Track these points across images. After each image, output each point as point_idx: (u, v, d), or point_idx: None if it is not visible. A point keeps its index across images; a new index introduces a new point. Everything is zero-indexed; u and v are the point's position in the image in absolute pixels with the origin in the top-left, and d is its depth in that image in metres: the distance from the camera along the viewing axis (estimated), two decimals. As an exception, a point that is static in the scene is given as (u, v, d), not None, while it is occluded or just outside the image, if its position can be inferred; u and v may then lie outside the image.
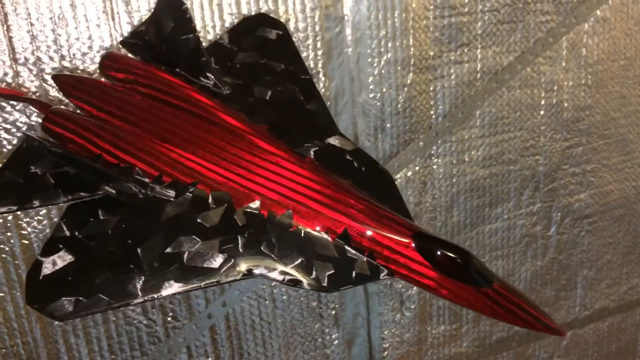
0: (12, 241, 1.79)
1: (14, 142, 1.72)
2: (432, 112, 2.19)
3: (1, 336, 1.85)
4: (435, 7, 2.09)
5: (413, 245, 1.48)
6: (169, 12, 1.65)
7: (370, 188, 1.61)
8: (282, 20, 1.91)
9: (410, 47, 2.09)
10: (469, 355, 2.51)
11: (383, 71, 2.08)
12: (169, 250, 1.45)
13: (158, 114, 1.63)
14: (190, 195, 1.52)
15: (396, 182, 2.18)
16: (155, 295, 1.42)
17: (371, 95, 2.09)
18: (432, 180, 2.25)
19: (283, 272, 1.46)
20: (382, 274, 1.51)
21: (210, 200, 1.52)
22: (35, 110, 1.71)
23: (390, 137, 2.15)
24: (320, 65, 2.00)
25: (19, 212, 1.77)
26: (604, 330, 2.78)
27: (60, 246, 1.49)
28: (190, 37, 1.63)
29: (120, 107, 1.65)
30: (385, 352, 2.36)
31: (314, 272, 1.46)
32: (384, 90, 2.10)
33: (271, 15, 1.89)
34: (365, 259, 1.50)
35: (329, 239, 1.50)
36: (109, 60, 1.74)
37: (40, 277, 1.46)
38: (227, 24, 1.87)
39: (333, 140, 1.67)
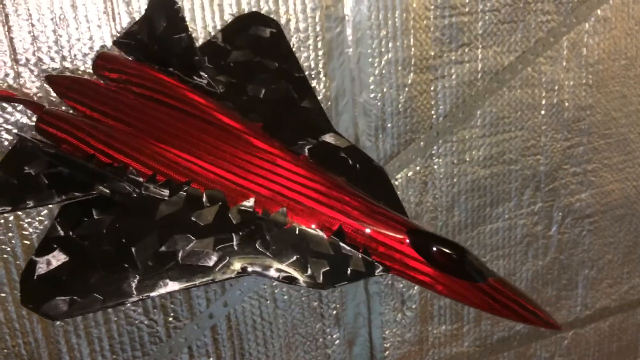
0: (13, 241, 1.80)
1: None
2: (432, 112, 2.19)
3: (3, 336, 1.86)
4: (436, 7, 2.09)
5: (407, 241, 1.49)
6: (161, 12, 1.65)
7: (364, 185, 1.61)
8: (283, 20, 1.92)
9: (411, 47, 2.09)
10: (470, 355, 2.51)
11: (384, 71, 2.08)
12: (163, 249, 1.45)
13: (151, 113, 1.64)
14: (185, 194, 1.52)
15: (397, 182, 2.18)
16: (150, 294, 1.43)
17: (372, 95, 2.09)
18: (433, 180, 2.25)
19: (278, 270, 1.46)
20: (377, 270, 1.51)
21: (204, 198, 1.52)
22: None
23: (391, 137, 2.15)
24: (321, 65, 2.00)
25: (20, 213, 1.78)
26: (605, 329, 2.77)
27: (55, 246, 1.50)
28: (183, 36, 1.63)
29: (113, 107, 1.65)
30: (387, 352, 2.36)
31: (309, 269, 1.46)
32: (385, 90, 2.10)
33: (270, 15, 1.89)
34: (360, 256, 1.50)
35: (324, 236, 1.51)
36: (101, 60, 1.73)
37: (35, 277, 1.46)
38: (227, 24, 1.87)
39: (327, 138, 1.67)
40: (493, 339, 2.54)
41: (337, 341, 2.26)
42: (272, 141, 1.61)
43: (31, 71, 1.72)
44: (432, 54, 2.13)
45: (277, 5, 1.91)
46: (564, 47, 2.32)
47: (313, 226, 1.51)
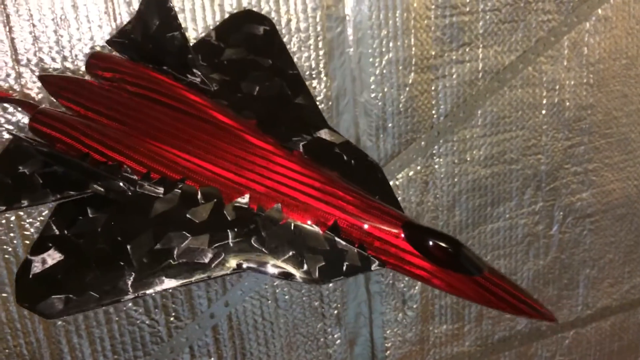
0: (15, 241, 1.80)
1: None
2: (433, 112, 2.19)
3: (4, 336, 1.86)
4: (437, 7, 2.09)
5: (403, 235, 1.49)
6: (154, 10, 1.64)
7: (359, 180, 1.61)
8: (284, 20, 1.92)
9: (412, 47, 2.09)
10: (471, 355, 2.52)
11: (384, 71, 2.08)
12: (158, 246, 1.45)
13: (146, 111, 1.64)
14: (179, 191, 1.52)
15: (398, 182, 2.19)
16: (146, 292, 1.43)
17: (373, 95, 2.09)
18: (434, 180, 2.25)
19: (274, 266, 1.46)
20: (374, 265, 1.51)
21: (199, 195, 1.52)
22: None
23: (392, 136, 2.15)
24: (321, 65, 2.00)
25: (21, 213, 1.78)
26: (607, 329, 2.77)
27: (50, 245, 1.49)
28: (176, 34, 1.62)
29: (107, 106, 1.65)
30: (388, 352, 2.36)
31: (305, 265, 1.46)
32: (386, 90, 2.10)
33: (271, 14, 1.90)
34: (355, 251, 1.50)
35: (319, 231, 1.50)
36: (95, 59, 1.73)
37: (30, 276, 1.46)
38: (228, 24, 1.87)
39: (322, 134, 1.67)
40: (494, 339, 2.54)
41: (338, 341, 2.27)
42: (267, 138, 1.61)
43: (32, 71, 1.73)
44: (433, 53, 2.13)
45: (277, 5, 1.91)
46: (564, 47, 2.32)
47: (309, 222, 1.51)
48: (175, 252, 1.45)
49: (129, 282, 1.42)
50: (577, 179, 2.49)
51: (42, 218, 1.79)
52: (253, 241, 1.47)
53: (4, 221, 1.78)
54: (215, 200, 1.51)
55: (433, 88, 2.16)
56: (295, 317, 2.17)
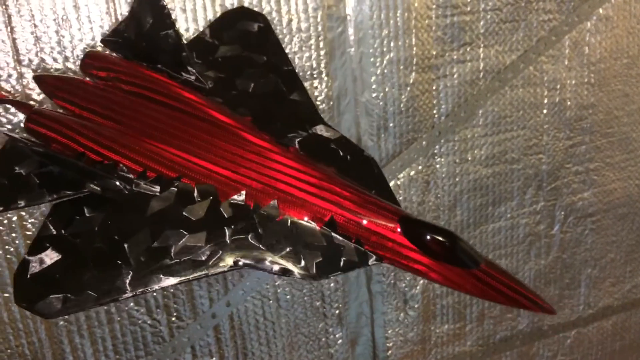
0: (17, 242, 1.80)
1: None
2: (434, 112, 2.19)
3: (6, 336, 1.86)
4: (438, 7, 2.09)
5: (399, 229, 1.49)
6: (147, 8, 1.65)
7: (356, 175, 1.62)
8: (285, 20, 1.92)
9: (413, 47, 2.09)
10: (472, 354, 2.51)
11: (386, 71, 2.08)
12: (155, 244, 1.46)
13: (141, 110, 1.64)
14: (176, 189, 1.52)
15: (399, 182, 2.19)
16: (144, 290, 1.43)
17: (374, 95, 2.09)
18: (435, 180, 2.25)
19: (272, 262, 1.46)
20: (371, 260, 1.52)
21: (195, 193, 1.52)
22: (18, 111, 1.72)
23: (393, 136, 2.15)
24: (322, 65, 2.00)
25: (23, 213, 1.78)
26: (608, 328, 2.77)
27: (47, 245, 1.50)
28: (170, 32, 1.62)
29: (102, 105, 1.65)
30: (389, 352, 2.36)
31: (302, 261, 1.47)
32: (387, 89, 2.10)
33: (272, 14, 1.90)
34: (352, 246, 1.51)
35: (316, 227, 1.51)
36: (89, 59, 1.73)
37: (28, 276, 1.46)
38: (229, 25, 1.87)
39: (317, 130, 1.67)
40: (496, 338, 2.54)
41: (340, 341, 2.27)
42: (262, 134, 1.61)
43: (34, 72, 1.73)
44: (434, 53, 2.13)
45: (278, 5, 1.91)
46: (565, 46, 2.32)
47: (305, 218, 1.51)
48: (172, 250, 1.45)
49: (127, 281, 1.43)
50: (578, 179, 2.49)
51: (43, 218, 1.79)
52: (250, 238, 1.48)
53: (5, 221, 1.78)
54: (211, 197, 1.52)
55: (434, 88, 2.16)
56: (296, 317, 2.17)
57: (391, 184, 2.18)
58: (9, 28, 1.69)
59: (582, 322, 2.70)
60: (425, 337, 2.40)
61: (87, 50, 1.75)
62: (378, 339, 2.34)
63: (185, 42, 1.76)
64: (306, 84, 1.99)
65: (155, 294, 1.95)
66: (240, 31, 1.81)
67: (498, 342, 2.55)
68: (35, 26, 1.71)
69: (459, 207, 2.32)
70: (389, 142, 2.15)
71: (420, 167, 2.21)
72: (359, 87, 2.07)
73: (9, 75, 1.71)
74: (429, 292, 2.34)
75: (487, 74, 2.22)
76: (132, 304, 1.94)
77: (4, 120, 1.72)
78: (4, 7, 1.67)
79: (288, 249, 1.47)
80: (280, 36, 1.93)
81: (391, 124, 2.14)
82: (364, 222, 1.50)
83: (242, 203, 1.52)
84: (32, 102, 1.73)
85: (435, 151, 2.22)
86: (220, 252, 1.45)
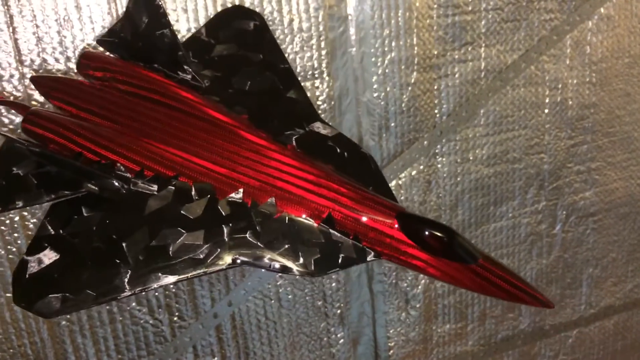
0: (19, 241, 1.81)
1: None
2: (436, 111, 2.19)
3: (9, 336, 1.87)
4: (439, 6, 2.09)
5: (397, 225, 1.49)
6: (143, 8, 1.64)
7: (353, 172, 1.62)
8: (286, 20, 1.92)
9: (414, 46, 2.09)
10: (474, 354, 2.51)
11: (387, 70, 2.08)
12: (154, 243, 1.46)
13: (137, 109, 1.64)
14: (173, 188, 1.53)
15: (401, 181, 2.19)
16: (143, 289, 1.43)
17: (375, 95, 2.09)
18: (437, 179, 2.25)
19: (270, 259, 1.47)
20: (369, 256, 1.52)
21: (193, 192, 1.52)
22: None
23: (395, 136, 2.15)
24: (324, 64, 2.00)
25: (25, 213, 1.79)
26: (610, 328, 2.77)
27: (45, 245, 1.50)
28: (166, 31, 1.62)
29: (99, 105, 1.65)
30: (391, 351, 2.36)
31: (300, 258, 1.47)
32: (388, 89, 2.10)
33: (274, 14, 1.90)
34: (351, 242, 1.51)
35: (314, 223, 1.51)
36: (85, 59, 1.73)
37: (27, 276, 1.46)
38: (231, 25, 1.87)
39: (314, 127, 1.68)
40: (497, 338, 2.54)
41: (342, 340, 2.27)
42: (259, 132, 1.62)
43: (36, 72, 1.73)
44: (435, 52, 2.13)
45: (280, 4, 1.91)
46: (567, 46, 2.32)
47: (303, 215, 1.51)
48: (170, 249, 1.45)
49: (125, 280, 1.43)
50: (580, 178, 2.48)
51: (45, 218, 1.80)
52: (248, 235, 1.48)
53: (7, 221, 1.79)
54: (209, 196, 1.52)
55: (435, 87, 2.16)
56: (298, 316, 2.17)
57: (393, 183, 2.18)
58: (11, 29, 1.69)
59: (584, 321, 2.70)
60: (426, 336, 2.40)
61: (83, 50, 1.76)
62: (380, 339, 2.34)
63: (181, 41, 1.76)
64: (307, 84, 1.99)
65: (157, 293, 1.96)
66: (236, 30, 1.81)
67: (500, 342, 2.55)
68: (37, 27, 1.71)
69: (461, 207, 2.32)
70: (391, 141, 2.15)
71: (421, 167, 2.21)
72: (361, 86, 2.07)
73: (11, 76, 1.71)
74: (431, 291, 2.34)
75: (488, 73, 2.22)
76: (134, 304, 1.95)
77: (7, 120, 1.73)
78: (5, 7, 1.67)
79: (286, 246, 1.48)
80: (281, 36, 1.93)
81: (392, 124, 2.14)
82: (362, 218, 1.50)
83: (240, 201, 1.52)
84: (34, 103, 1.74)
85: (437, 151, 2.22)
86: (219, 250, 1.46)
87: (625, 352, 2.85)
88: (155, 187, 1.53)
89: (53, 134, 1.60)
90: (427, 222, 1.53)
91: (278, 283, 2.11)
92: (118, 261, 1.45)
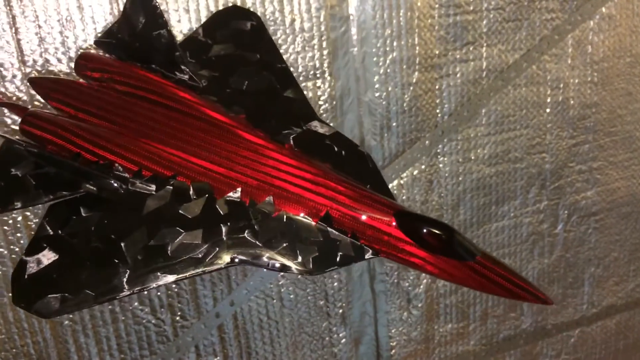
0: (22, 241, 1.81)
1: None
2: (437, 111, 2.19)
3: (12, 336, 1.87)
4: (441, 6, 2.09)
5: (395, 223, 1.49)
6: (139, 9, 1.64)
7: (351, 171, 1.62)
8: (288, 20, 1.92)
9: (416, 46, 2.09)
10: (476, 354, 2.52)
11: (389, 70, 2.08)
12: (152, 243, 1.46)
13: (135, 109, 1.64)
14: (171, 187, 1.53)
15: (402, 181, 2.19)
16: (142, 288, 1.44)
17: (377, 95, 2.09)
18: (439, 179, 2.25)
19: (268, 258, 1.47)
20: (367, 254, 1.52)
21: (191, 191, 1.53)
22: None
23: (396, 136, 2.15)
24: (325, 64, 2.01)
25: (28, 213, 1.79)
26: (612, 327, 2.77)
27: (44, 245, 1.50)
28: (163, 32, 1.62)
29: (97, 106, 1.65)
30: (393, 351, 2.36)
31: (299, 256, 1.47)
32: (390, 89, 2.10)
33: (275, 14, 1.90)
34: (349, 240, 1.51)
35: (312, 222, 1.51)
36: (83, 60, 1.74)
37: (26, 277, 1.47)
38: (233, 25, 1.87)
39: (312, 126, 1.68)
40: (499, 338, 2.54)
41: (344, 340, 2.27)
42: (257, 132, 1.62)
43: (38, 72, 1.74)
44: (437, 52, 2.13)
45: (281, 4, 1.91)
46: (568, 45, 2.32)
47: (301, 214, 1.52)
48: (169, 248, 1.46)
49: (124, 280, 1.44)
50: (581, 178, 2.48)
51: (48, 218, 1.80)
52: (246, 234, 1.48)
53: (10, 221, 1.79)
54: (207, 195, 1.52)
55: (437, 87, 2.17)
56: (300, 316, 2.17)
57: (394, 183, 2.19)
58: (13, 29, 1.70)
59: (586, 321, 2.70)
60: (428, 336, 2.40)
61: (80, 51, 1.76)
62: (381, 338, 2.34)
63: (178, 41, 1.77)
64: (309, 84, 2.00)
65: (159, 293, 1.96)
66: (233, 30, 1.81)
67: (501, 341, 2.55)
68: (40, 27, 1.72)
69: (462, 207, 2.32)
70: (392, 141, 2.15)
71: (423, 167, 2.22)
72: (362, 86, 2.07)
73: (14, 76, 1.72)
74: (433, 291, 2.34)
75: (490, 73, 2.22)
76: (136, 303, 1.95)
77: (9, 121, 1.73)
78: (8, 8, 1.68)
79: (284, 245, 1.48)
80: (283, 36, 1.94)
81: (394, 124, 2.14)
82: (360, 216, 1.51)
83: (238, 200, 1.52)
84: (36, 103, 1.74)
85: (439, 150, 2.23)
86: (217, 249, 1.46)
87: (627, 352, 2.85)
88: (153, 187, 1.54)
89: (51, 134, 1.60)
90: (425, 219, 1.53)
91: (280, 283, 2.11)
92: (117, 261, 1.45)
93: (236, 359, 2.13)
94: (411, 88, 2.12)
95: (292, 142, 1.63)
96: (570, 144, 2.42)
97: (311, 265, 1.47)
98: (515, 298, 1.57)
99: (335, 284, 2.19)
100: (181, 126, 1.61)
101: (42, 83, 1.71)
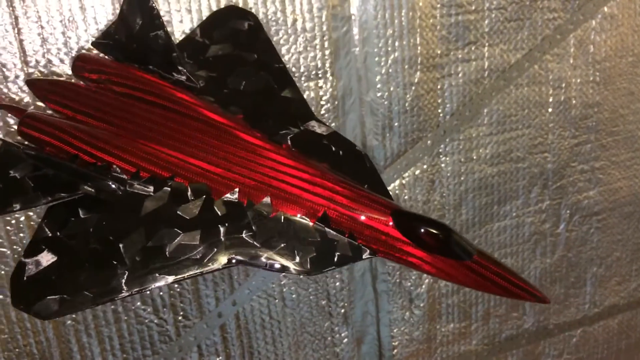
0: (25, 242, 1.81)
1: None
2: (439, 111, 2.19)
3: (14, 336, 1.87)
4: (442, 6, 2.09)
5: (391, 223, 1.50)
6: (136, 10, 1.65)
7: (348, 170, 1.63)
8: (290, 20, 1.92)
9: (418, 46, 2.10)
10: (478, 353, 2.52)
11: (390, 70, 2.08)
12: (150, 244, 1.47)
13: (133, 111, 1.64)
14: (169, 188, 1.53)
15: (404, 181, 2.19)
16: (141, 289, 1.44)
17: (379, 94, 2.09)
18: (441, 179, 2.26)
19: (266, 259, 1.48)
20: (365, 254, 1.53)
21: (189, 192, 1.53)
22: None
23: (398, 135, 2.15)
24: (327, 64, 2.01)
25: (31, 213, 1.79)
26: (614, 327, 2.77)
27: (43, 247, 1.51)
28: (160, 33, 1.63)
29: (95, 107, 1.66)
30: (395, 350, 2.36)
31: (296, 257, 1.48)
32: (392, 89, 2.10)
33: (277, 14, 1.90)
34: (346, 240, 1.52)
35: (309, 222, 1.52)
36: (80, 61, 1.74)
37: (25, 278, 1.47)
38: (235, 25, 1.88)
39: (309, 126, 1.68)
40: (501, 337, 2.54)
41: (346, 340, 2.27)
42: (254, 132, 1.62)
43: (41, 73, 1.74)
44: (439, 52, 2.13)
45: (283, 5, 1.91)
46: (570, 45, 2.32)
47: (299, 215, 1.52)
48: (167, 249, 1.46)
49: (123, 281, 1.44)
50: (583, 177, 2.48)
51: (51, 218, 1.80)
52: (244, 235, 1.49)
53: (13, 221, 1.79)
54: (205, 196, 1.53)
55: (439, 87, 2.17)
56: (302, 315, 2.18)
57: (396, 183, 2.19)
58: (16, 30, 1.70)
59: (588, 320, 2.70)
60: (430, 336, 2.40)
61: (78, 53, 1.76)
62: (384, 338, 2.34)
63: (175, 42, 1.77)
64: (311, 84, 2.00)
65: (161, 293, 1.96)
66: (230, 30, 1.81)
67: (504, 341, 2.55)
68: (42, 28, 1.72)
69: (464, 206, 2.32)
70: (394, 141, 2.15)
71: (425, 166, 2.22)
72: (364, 86, 2.07)
73: (17, 77, 1.72)
74: (435, 291, 2.34)
75: (492, 72, 2.22)
76: (138, 303, 1.95)
77: (12, 121, 1.74)
78: (11, 9, 1.68)
79: (282, 245, 1.49)
80: (284, 36, 1.94)
81: (396, 123, 2.14)
82: (357, 216, 1.51)
83: (236, 201, 1.53)
84: (39, 104, 1.74)
85: (440, 150, 2.23)
86: (215, 250, 1.47)
87: (629, 351, 2.85)
88: (151, 188, 1.54)
89: (49, 136, 1.61)
90: (422, 219, 1.54)
91: (282, 282, 2.11)
92: (115, 262, 1.46)
93: (238, 359, 2.13)
94: (413, 88, 2.12)
95: (289, 142, 1.63)
96: (572, 143, 2.42)
97: (309, 266, 1.48)
98: (512, 297, 1.58)
99: (338, 283, 2.19)
100: (179, 127, 1.61)
101: (40, 85, 1.71)
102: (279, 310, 2.14)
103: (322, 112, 2.03)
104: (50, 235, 1.52)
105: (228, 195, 1.53)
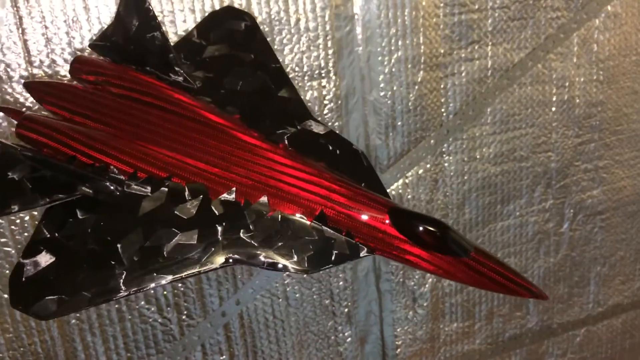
0: (29, 241, 1.82)
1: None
2: (443, 110, 2.19)
3: (19, 335, 1.88)
4: (445, 5, 2.09)
5: (388, 221, 1.50)
6: (133, 11, 1.65)
7: (345, 169, 1.63)
8: (293, 19, 1.93)
9: (421, 45, 2.09)
10: (481, 353, 2.51)
11: (394, 69, 2.08)
12: (148, 244, 1.47)
13: (130, 112, 1.65)
14: (166, 189, 1.54)
15: (407, 180, 2.19)
16: (139, 289, 1.45)
17: (382, 94, 2.09)
18: (444, 178, 2.25)
19: (264, 258, 1.48)
20: (362, 252, 1.53)
21: (186, 192, 1.54)
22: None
23: (401, 135, 2.15)
24: (330, 64, 2.01)
25: (35, 213, 1.80)
26: (618, 326, 2.76)
27: (41, 248, 1.51)
28: (156, 34, 1.63)
29: (92, 109, 1.66)
30: (398, 350, 2.36)
31: (294, 255, 1.48)
32: (395, 88, 2.10)
33: (280, 14, 1.90)
34: (344, 239, 1.52)
35: (307, 221, 1.52)
36: (78, 63, 1.74)
37: (23, 279, 1.48)
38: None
39: (306, 125, 1.69)
40: (505, 337, 2.54)
41: (349, 339, 2.27)
42: (251, 132, 1.63)
43: (45, 73, 1.75)
44: (442, 51, 2.13)
45: (286, 4, 1.92)
46: (574, 44, 2.31)
47: (297, 214, 1.53)
48: (165, 249, 1.47)
49: (121, 281, 1.44)
50: (587, 176, 2.48)
51: (55, 218, 1.81)
52: (242, 234, 1.49)
53: (18, 221, 1.80)
54: (202, 196, 1.53)
55: (442, 86, 2.16)
56: (306, 315, 2.18)
57: (399, 182, 2.19)
58: (20, 30, 1.71)
59: (592, 320, 2.69)
60: (434, 335, 2.40)
61: (75, 55, 1.76)
62: (387, 337, 2.34)
63: (172, 43, 1.77)
64: (314, 83, 2.00)
65: (165, 292, 1.97)
66: (227, 30, 1.82)
67: (507, 341, 2.55)
68: (46, 28, 1.73)
69: (468, 206, 2.32)
70: (397, 140, 2.15)
71: (428, 166, 2.22)
72: (367, 86, 2.07)
73: (21, 77, 1.73)
74: (438, 290, 2.34)
75: (495, 72, 2.22)
76: (142, 302, 1.96)
77: (15, 121, 1.74)
78: (15, 9, 1.69)
79: (280, 244, 1.49)
80: (288, 36, 1.94)
81: (399, 123, 2.14)
82: (355, 214, 1.52)
83: (233, 200, 1.53)
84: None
85: (444, 149, 2.23)
86: (213, 249, 1.47)
87: (633, 351, 2.84)
88: (148, 189, 1.55)
89: (47, 138, 1.61)
90: (419, 217, 1.54)
91: (286, 282, 2.12)
92: (113, 262, 1.46)
93: (242, 358, 2.14)
94: (416, 87, 2.12)
95: (286, 141, 1.64)
96: (576, 142, 2.42)
97: (307, 264, 1.48)
98: (510, 293, 1.58)
99: (341, 283, 2.19)
100: (176, 127, 1.62)
101: (37, 87, 1.72)
102: (282, 310, 2.14)
103: (325, 111, 2.03)
104: (48, 236, 1.53)
105: (225, 195, 1.54)
